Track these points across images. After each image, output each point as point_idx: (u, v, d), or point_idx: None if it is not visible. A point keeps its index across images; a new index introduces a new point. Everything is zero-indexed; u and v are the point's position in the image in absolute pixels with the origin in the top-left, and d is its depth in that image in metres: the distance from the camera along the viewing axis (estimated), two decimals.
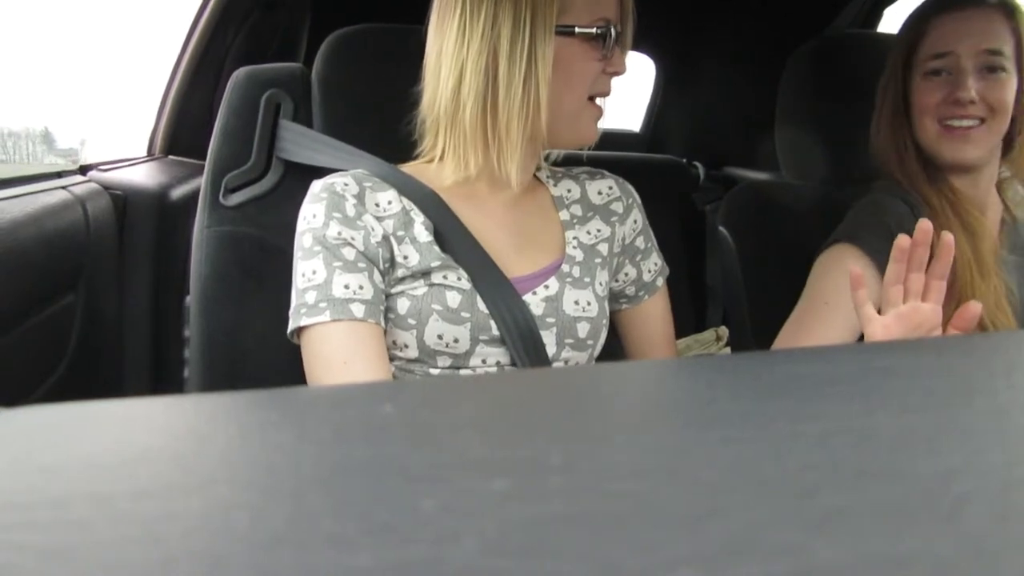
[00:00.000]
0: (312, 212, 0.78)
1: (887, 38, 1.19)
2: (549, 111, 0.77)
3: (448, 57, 0.78)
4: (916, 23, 0.97)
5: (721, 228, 1.16)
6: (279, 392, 0.28)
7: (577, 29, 0.77)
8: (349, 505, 0.18)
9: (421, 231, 0.79)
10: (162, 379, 1.36)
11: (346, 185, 0.79)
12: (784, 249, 1.09)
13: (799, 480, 0.18)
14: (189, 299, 0.96)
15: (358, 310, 0.74)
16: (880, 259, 0.88)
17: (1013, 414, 0.24)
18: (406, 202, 0.81)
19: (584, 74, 0.78)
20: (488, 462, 0.20)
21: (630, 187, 0.95)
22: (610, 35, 0.78)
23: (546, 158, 0.91)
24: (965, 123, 0.92)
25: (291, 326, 0.76)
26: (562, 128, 0.80)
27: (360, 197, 0.79)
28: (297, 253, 0.78)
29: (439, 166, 0.83)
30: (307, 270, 0.76)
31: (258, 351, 0.93)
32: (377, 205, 0.80)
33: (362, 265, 0.76)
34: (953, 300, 0.89)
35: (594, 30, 0.77)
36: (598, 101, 0.82)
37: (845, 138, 1.13)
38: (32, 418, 0.26)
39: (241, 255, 0.94)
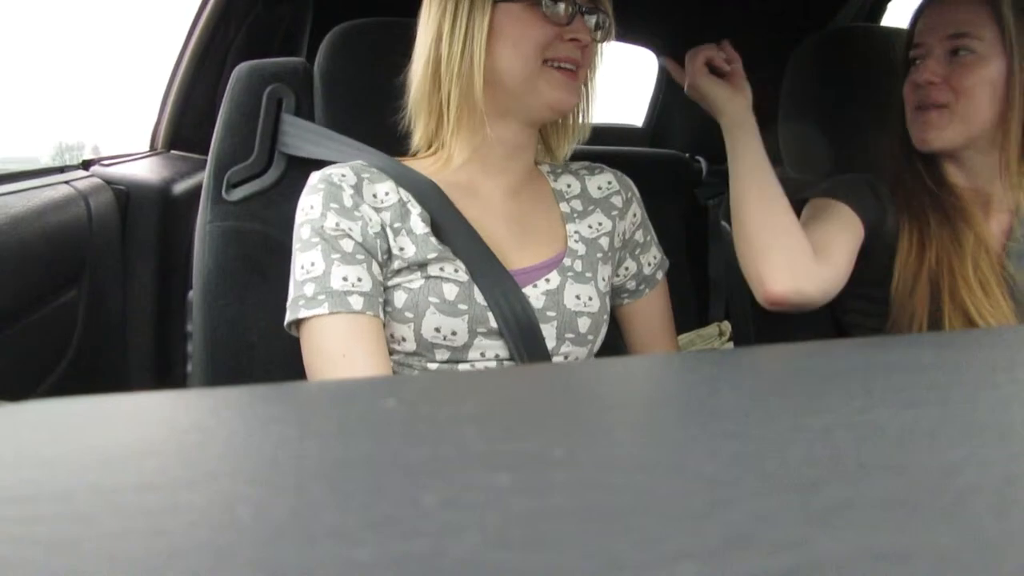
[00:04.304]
0: (310, 203, 0.78)
1: (891, 32, 1.18)
2: (504, 79, 0.78)
3: (418, 44, 0.82)
4: (911, 23, 0.99)
5: (723, 223, 1.16)
6: (282, 387, 0.28)
7: None
8: (351, 499, 0.18)
9: (417, 223, 0.79)
10: (165, 374, 1.37)
11: (343, 176, 0.79)
12: None
13: (801, 474, 0.18)
14: (192, 294, 0.96)
15: (356, 302, 0.74)
16: (864, 213, 0.94)
17: (1015, 408, 0.24)
18: (403, 193, 0.81)
19: (528, 38, 0.78)
20: (490, 456, 0.20)
21: (629, 181, 0.95)
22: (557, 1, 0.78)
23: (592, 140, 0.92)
24: (929, 103, 0.92)
25: (288, 318, 0.76)
26: (524, 95, 0.79)
27: (358, 188, 0.79)
28: (295, 245, 0.78)
29: (432, 157, 0.84)
30: (305, 262, 0.76)
31: (261, 345, 0.93)
32: (375, 196, 0.80)
33: (360, 257, 0.76)
34: (924, 275, 0.91)
35: None
36: (566, 67, 0.80)
37: (848, 132, 1.13)
38: (36, 412, 0.26)
39: (244, 250, 0.94)
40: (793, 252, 0.84)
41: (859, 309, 1.01)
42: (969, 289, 0.88)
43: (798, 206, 1.00)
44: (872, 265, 0.96)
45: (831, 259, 0.88)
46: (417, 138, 0.85)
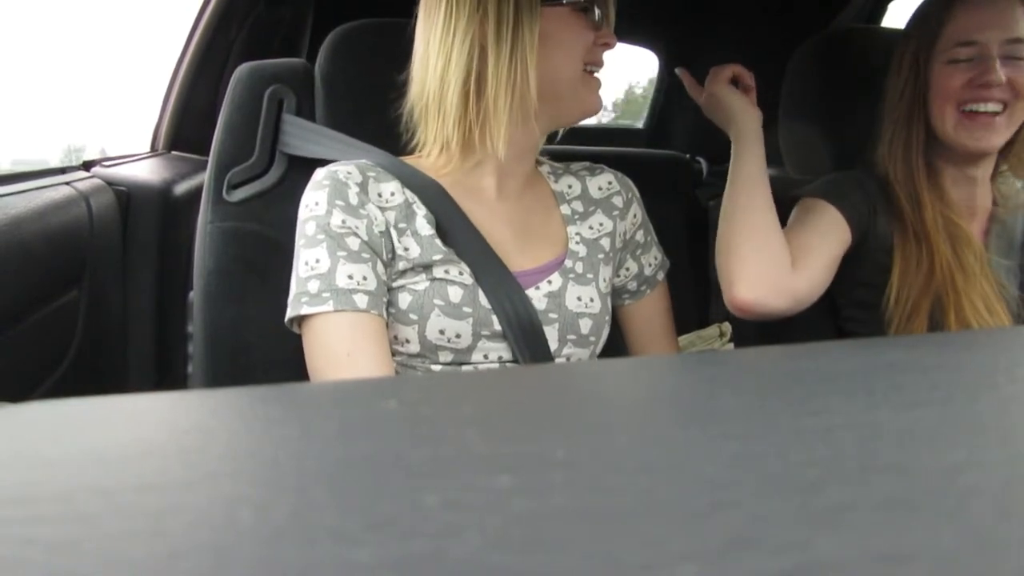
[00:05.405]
0: (314, 200, 0.77)
1: (892, 33, 1.18)
2: (549, 84, 0.78)
3: (436, 42, 0.78)
4: (935, 11, 0.95)
5: None
6: (283, 388, 0.28)
7: (565, 0, 0.78)
8: (352, 500, 0.18)
9: (423, 224, 0.79)
10: (166, 374, 1.37)
11: (349, 174, 0.78)
12: None
13: (803, 475, 0.18)
14: (192, 295, 0.96)
15: (361, 301, 0.74)
16: (852, 215, 0.94)
17: (1017, 409, 0.24)
18: (409, 194, 0.81)
19: (577, 43, 0.79)
20: (491, 458, 0.20)
21: (629, 181, 0.95)
22: (597, 5, 0.80)
23: (551, 139, 0.92)
24: (990, 107, 0.90)
25: (290, 313, 0.75)
26: (566, 99, 0.80)
27: (363, 186, 0.78)
28: (299, 241, 0.77)
29: (439, 159, 0.84)
30: (310, 258, 0.75)
31: (261, 346, 0.93)
32: (380, 195, 0.80)
33: (366, 255, 0.76)
34: (929, 298, 0.90)
35: (582, 0, 0.79)
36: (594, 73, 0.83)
37: (848, 133, 1.13)
38: (37, 413, 0.26)
39: (244, 251, 0.94)
40: (765, 264, 0.85)
41: (856, 318, 1.01)
42: (975, 309, 0.89)
43: (790, 203, 1.00)
44: (865, 267, 0.96)
45: (810, 265, 0.89)
46: (421, 139, 0.84)
